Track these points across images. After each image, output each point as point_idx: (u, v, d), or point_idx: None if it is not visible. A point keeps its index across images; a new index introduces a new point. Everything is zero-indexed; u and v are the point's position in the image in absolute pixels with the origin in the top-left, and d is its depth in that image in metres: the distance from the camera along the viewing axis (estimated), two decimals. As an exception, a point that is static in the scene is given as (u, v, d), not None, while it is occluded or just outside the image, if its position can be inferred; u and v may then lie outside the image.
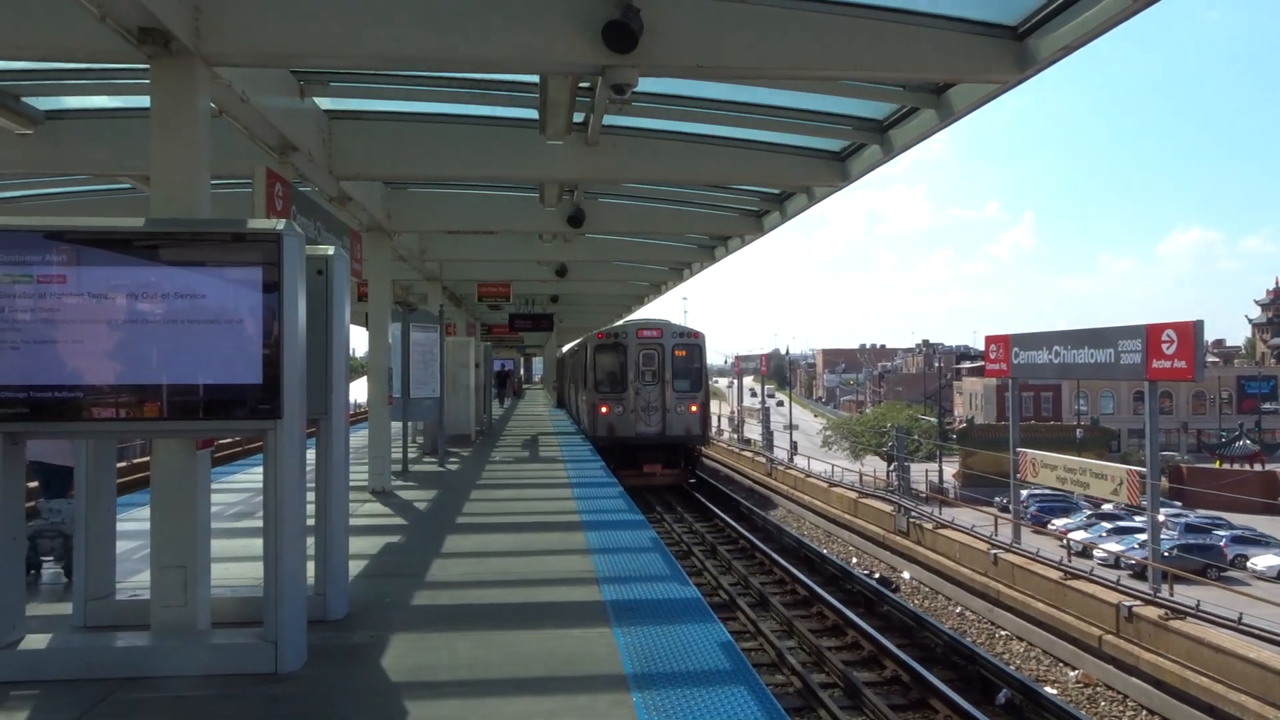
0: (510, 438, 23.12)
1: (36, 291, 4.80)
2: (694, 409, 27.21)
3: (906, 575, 21.90)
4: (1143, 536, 26.81)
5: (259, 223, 5.29)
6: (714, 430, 60.37)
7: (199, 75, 5.94)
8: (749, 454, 42.98)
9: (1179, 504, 45.61)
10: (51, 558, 7.37)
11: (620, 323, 30.31)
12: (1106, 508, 37.38)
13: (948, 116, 8.06)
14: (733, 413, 75.15)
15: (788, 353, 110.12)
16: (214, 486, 6.29)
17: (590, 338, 28.63)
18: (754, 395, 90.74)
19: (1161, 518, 21.65)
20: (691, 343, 27.96)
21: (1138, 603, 15.53)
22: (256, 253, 4.94)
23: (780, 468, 36.90)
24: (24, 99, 8.20)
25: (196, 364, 4.89)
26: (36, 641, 5.23)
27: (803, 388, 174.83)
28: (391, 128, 10.00)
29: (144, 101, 7.70)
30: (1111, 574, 19.43)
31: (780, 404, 57.23)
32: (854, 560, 23.12)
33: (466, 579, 7.76)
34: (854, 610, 15.26)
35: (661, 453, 26.39)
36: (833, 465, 40.39)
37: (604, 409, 26.38)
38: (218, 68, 6.26)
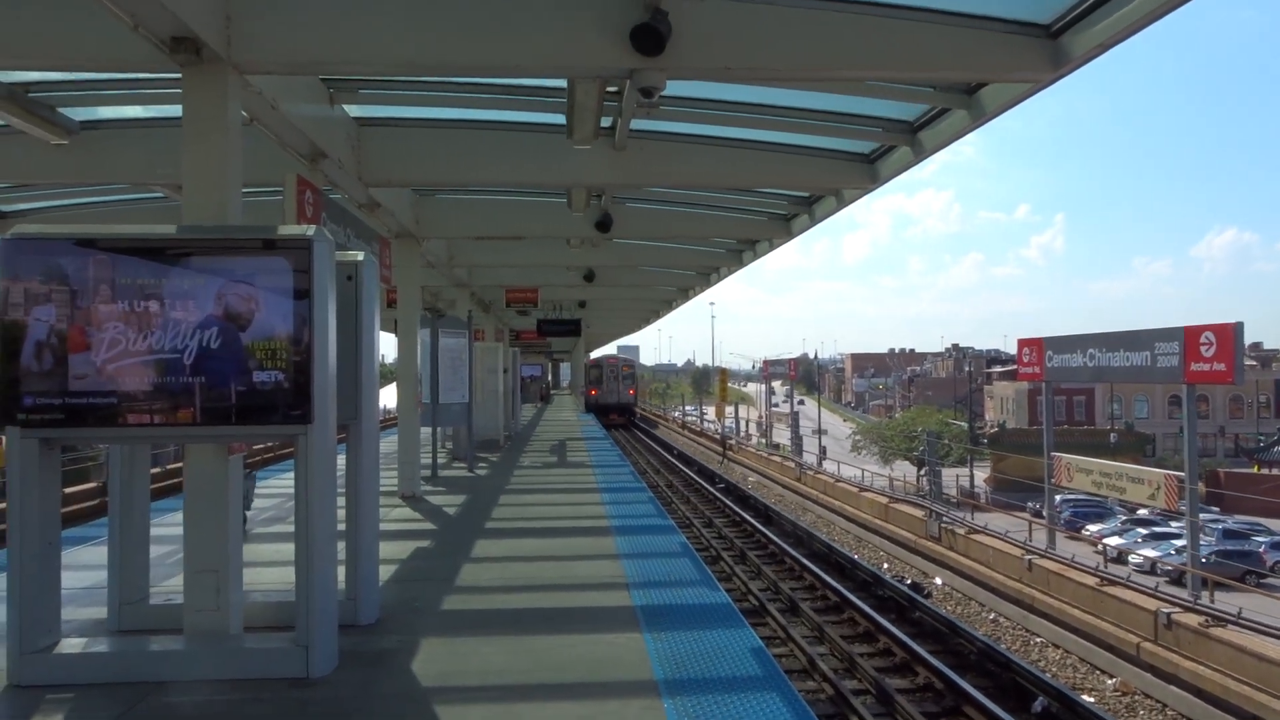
0: (539, 443, 23.17)
1: (69, 299, 4.85)
2: (631, 392, 58.94)
3: (939, 581, 21.68)
4: (1179, 542, 26.40)
5: (290, 229, 5.32)
6: (743, 434, 60.52)
7: (230, 83, 5.99)
8: (778, 459, 42.77)
9: (1217, 509, 44.84)
10: None
11: (598, 353, 60.81)
12: (1141, 513, 36.85)
13: (979, 117, 7.97)
14: (760, 417, 74.78)
15: (816, 357, 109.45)
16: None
17: (587, 361, 54.74)
18: (772, 393, 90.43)
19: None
20: (630, 363, 62.07)
21: (1177, 609, 15.25)
22: (287, 259, 4.97)
23: (809, 472, 36.70)
24: (59, 109, 8.32)
25: (228, 369, 4.92)
26: (72, 645, 5.29)
27: (832, 392, 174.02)
28: (420, 134, 10.04)
29: (176, 111, 7.77)
30: (1148, 580, 19.12)
31: (801, 402, 60.23)
32: (885, 566, 22.92)
33: (496, 584, 7.76)
34: (885, 616, 15.10)
35: (617, 410, 54.23)
36: (863, 470, 40.11)
37: (593, 391, 53.19)
38: (249, 76, 6.32)
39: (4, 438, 4.97)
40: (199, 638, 5.37)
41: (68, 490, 16.07)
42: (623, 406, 55.98)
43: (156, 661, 5.22)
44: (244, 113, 6.59)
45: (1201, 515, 23.07)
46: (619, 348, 53.15)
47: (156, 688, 4.93)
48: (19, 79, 7.74)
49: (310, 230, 5.11)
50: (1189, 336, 18.09)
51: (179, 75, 5.93)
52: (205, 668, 5.14)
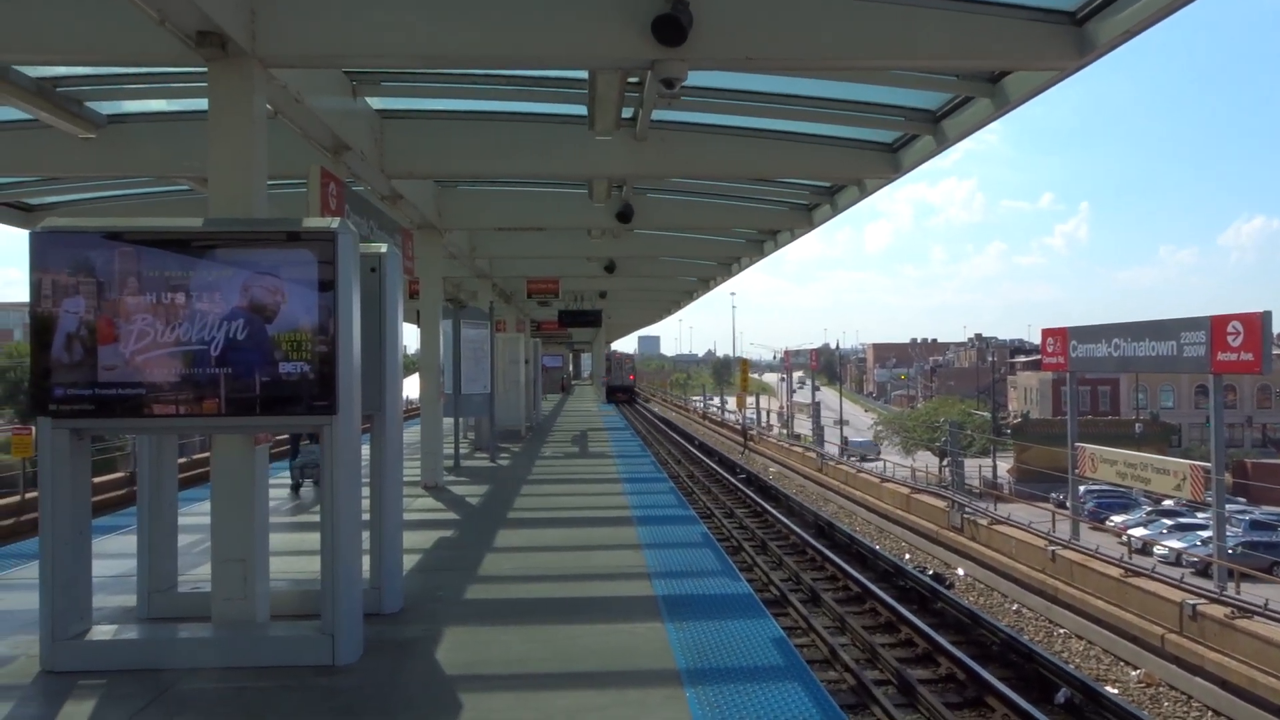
0: (560, 433, 23.23)
1: (98, 291, 4.91)
2: (631, 377, 73.71)
3: (961, 572, 21.59)
4: (1205, 533, 26.15)
5: (314, 222, 5.37)
6: (763, 425, 60.52)
7: (255, 77, 6.04)
8: (799, 449, 42.69)
9: (1244, 500, 44.39)
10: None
11: (613, 346, 71.24)
12: (1167, 504, 36.56)
13: (1003, 105, 7.90)
14: (781, 408, 74.72)
15: (838, 347, 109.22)
16: (271, 481, 6.39)
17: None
18: (796, 386, 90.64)
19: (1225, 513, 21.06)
20: (631, 357, 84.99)
21: (1202, 601, 15.13)
22: (312, 251, 5.01)
23: (831, 463, 36.62)
24: (87, 103, 8.41)
25: (254, 361, 4.97)
26: (103, 632, 5.38)
27: (853, 383, 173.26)
28: (442, 126, 10.08)
29: (201, 104, 7.84)
30: (1173, 571, 18.97)
31: (817, 388, 61.59)
32: (907, 556, 22.85)
33: (518, 573, 7.81)
34: (907, 607, 15.07)
35: (621, 390, 65.31)
36: (885, 461, 39.97)
37: (605, 378, 58.85)
38: (273, 69, 6.36)
39: (35, 428, 5.05)
40: (226, 626, 5.45)
41: (96, 480, 16.30)
42: (626, 388, 75.72)
43: (185, 649, 5.30)
44: (268, 106, 6.64)
45: (1228, 506, 22.88)
46: (639, 338, 53.85)
47: (185, 674, 5.00)
48: (47, 74, 7.82)
49: (334, 222, 5.15)
50: (1216, 326, 17.91)
51: (204, 69, 5.98)
52: (233, 655, 5.21)
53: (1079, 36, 6.54)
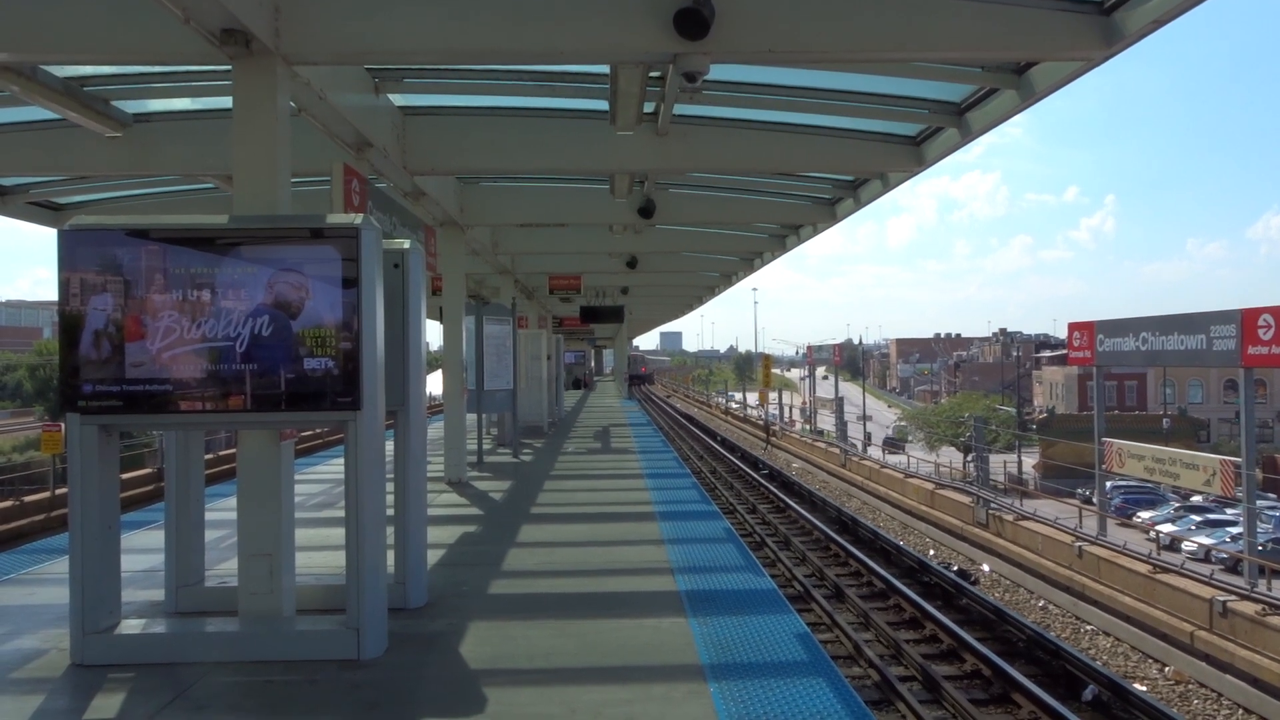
0: (582, 429, 23.27)
1: (124, 289, 4.95)
2: (643, 370, 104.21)
3: (986, 568, 21.46)
4: (1235, 530, 25.83)
5: (337, 218, 5.38)
6: (786, 420, 60.33)
7: (279, 74, 6.07)
8: (821, 445, 42.54)
9: (1274, 495, 43.79)
10: None
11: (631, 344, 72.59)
12: (1195, 500, 36.14)
13: (1029, 97, 7.81)
14: (804, 404, 74.47)
15: (860, 343, 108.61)
16: (297, 477, 6.43)
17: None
18: (790, 370, 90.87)
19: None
20: (643, 357, 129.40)
21: (1233, 597, 14.95)
22: (336, 248, 5.03)
23: (855, 459, 36.47)
24: (113, 102, 8.48)
25: (279, 357, 5.00)
26: (132, 626, 5.44)
27: (876, 378, 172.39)
28: (464, 122, 10.09)
29: (225, 102, 7.89)
30: (1202, 568, 18.74)
31: (826, 378, 61.51)
32: (931, 552, 22.73)
33: (542, 568, 7.82)
34: (932, 603, 14.99)
35: (636, 378, 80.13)
36: (908, 457, 39.74)
37: (626, 372, 60.17)
38: (297, 66, 6.38)
39: (64, 424, 5.10)
40: (252, 620, 5.49)
41: (124, 476, 16.49)
42: (640, 376, 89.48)
43: (213, 643, 5.35)
44: (291, 103, 6.67)
45: (1259, 502, 22.55)
46: (662, 334, 54.00)
47: (212, 668, 5.05)
48: (74, 73, 7.89)
49: (358, 219, 5.16)
50: (1247, 319, 17.70)
51: (229, 67, 6.02)
52: (259, 649, 5.25)
53: (1106, 26, 6.45)
